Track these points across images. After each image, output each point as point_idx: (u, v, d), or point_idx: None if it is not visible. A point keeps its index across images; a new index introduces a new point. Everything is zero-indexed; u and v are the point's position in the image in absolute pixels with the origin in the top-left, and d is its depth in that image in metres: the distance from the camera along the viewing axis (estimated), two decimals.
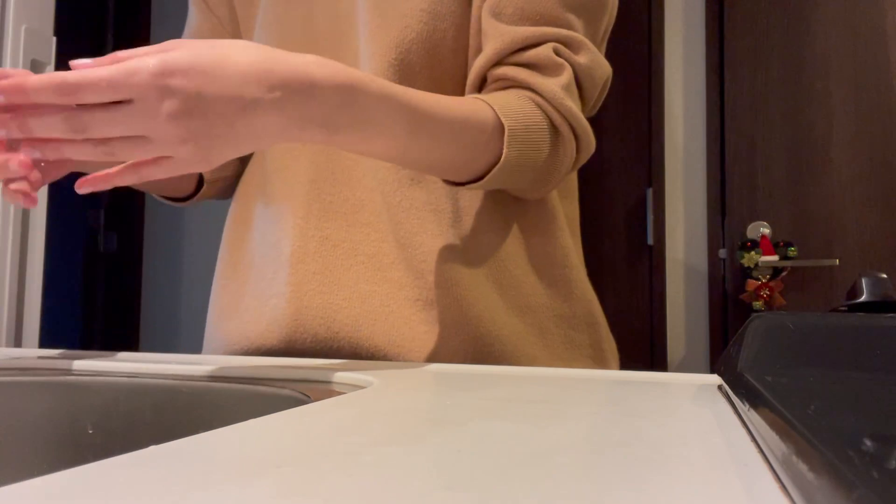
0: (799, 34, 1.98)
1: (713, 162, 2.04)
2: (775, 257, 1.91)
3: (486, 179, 0.60)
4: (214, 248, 2.89)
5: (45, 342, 0.88)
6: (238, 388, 0.51)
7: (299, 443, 0.26)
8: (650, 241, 2.06)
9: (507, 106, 0.60)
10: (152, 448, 0.25)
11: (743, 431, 0.30)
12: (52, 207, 0.92)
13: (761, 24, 2.01)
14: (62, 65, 0.95)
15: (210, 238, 2.54)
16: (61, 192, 2.50)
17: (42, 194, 0.87)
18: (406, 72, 0.65)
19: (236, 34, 0.76)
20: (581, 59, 0.64)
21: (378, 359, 0.66)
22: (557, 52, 0.63)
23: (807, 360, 0.35)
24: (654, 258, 2.06)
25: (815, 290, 1.92)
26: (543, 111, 0.62)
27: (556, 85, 0.61)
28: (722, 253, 2.02)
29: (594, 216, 2.11)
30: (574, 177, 0.78)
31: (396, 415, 0.33)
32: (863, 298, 0.67)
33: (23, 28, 0.83)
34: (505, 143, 0.58)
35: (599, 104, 0.72)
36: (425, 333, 0.65)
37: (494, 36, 0.63)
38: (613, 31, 0.78)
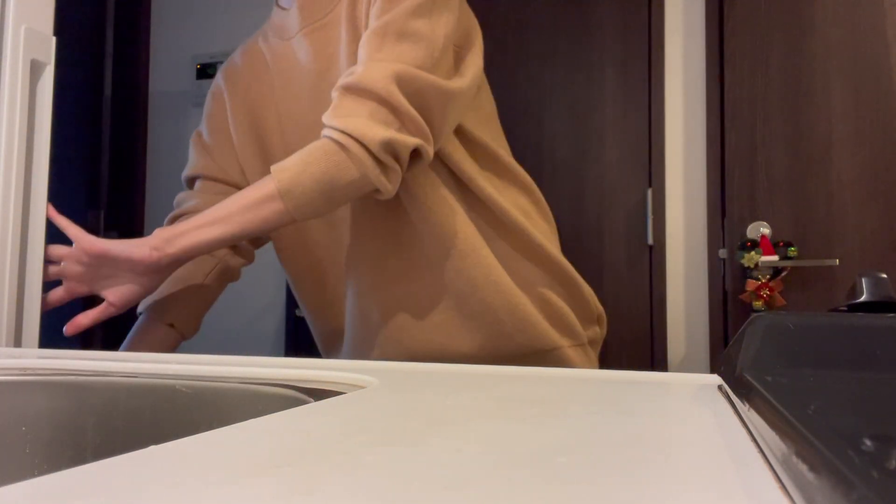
0: (799, 34, 1.98)
1: (713, 162, 2.04)
2: (775, 257, 1.91)
3: (292, 210, 0.84)
4: None
5: (45, 342, 0.88)
6: (238, 388, 0.51)
7: (299, 443, 0.26)
8: (650, 241, 2.06)
9: (282, 165, 0.84)
10: (152, 448, 0.25)
11: (743, 431, 0.30)
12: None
13: (761, 24, 2.01)
14: (62, 65, 0.95)
15: None
16: (61, 192, 2.50)
17: (42, 194, 0.87)
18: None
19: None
20: (346, 80, 0.86)
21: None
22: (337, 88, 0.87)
23: (807, 360, 0.35)
24: (654, 258, 2.06)
25: (815, 290, 1.92)
26: (328, 137, 0.84)
27: (327, 116, 0.85)
28: (722, 253, 2.02)
29: (594, 216, 2.11)
30: (511, 171, 1.01)
31: (396, 415, 0.33)
32: (863, 298, 0.67)
33: (23, 28, 0.82)
34: (278, 192, 0.83)
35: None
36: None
37: None
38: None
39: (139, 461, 0.23)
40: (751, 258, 1.93)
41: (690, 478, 0.22)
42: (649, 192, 2.08)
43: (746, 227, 1.98)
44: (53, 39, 0.88)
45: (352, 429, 0.29)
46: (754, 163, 1.99)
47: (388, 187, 0.86)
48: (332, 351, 1.09)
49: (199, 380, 0.52)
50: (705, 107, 2.06)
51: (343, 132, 0.83)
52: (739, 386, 0.33)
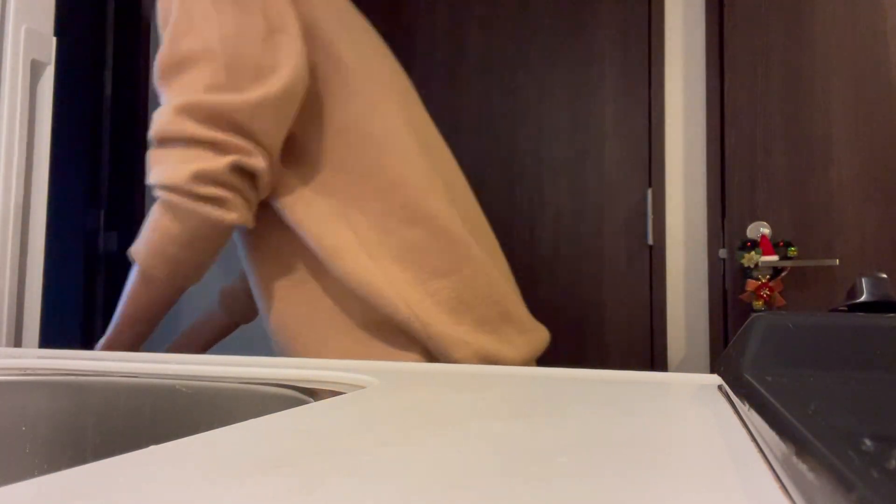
0: (799, 34, 1.98)
1: (713, 162, 2.04)
2: (775, 257, 1.91)
3: (165, 284, 0.84)
4: None
5: (45, 342, 0.88)
6: (238, 388, 0.51)
7: (299, 443, 0.26)
8: (650, 241, 2.06)
9: (134, 246, 0.84)
10: (152, 448, 0.25)
11: (743, 431, 0.30)
12: (52, 207, 0.92)
13: (761, 24, 2.01)
14: (62, 65, 0.95)
15: None
16: (61, 192, 2.50)
17: (42, 194, 0.87)
18: None
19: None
20: (151, 130, 0.84)
21: None
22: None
23: (807, 360, 0.35)
24: (654, 258, 2.06)
25: (815, 290, 1.92)
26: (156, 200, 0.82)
27: (148, 176, 0.83)
28: (722, 253, 2.02)
29: (594, 216, 2.11)
30: (354, 185, 0.88)
31: (396, 415, 0.33)
32: (863, 298, 0.67)
33: (23, 28, 0.82)
34: (142, 276, 0.84)
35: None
36: None
37: None
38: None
39: (139, 461, 0.23)
40: (751, 258, 1.93)
41: (690, 478, 0.22)
42: (649, 192, 2.08)
43: (746, 227, 1.98)
44: (54, 39, 0.88)
45: (352, 429, 0.29)
46: (754, 163, 1.99)
47: (232, 216, 0.80)
48: None
49: (198, 380, 0.52)
50: (705, 107, 2.06)
51: (158, 186, 0.80)
52: (739, 386, 0.33)
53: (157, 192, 0.80)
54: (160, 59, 0.82)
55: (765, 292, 1.91)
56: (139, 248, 0.82)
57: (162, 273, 0.81)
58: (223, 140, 0.79)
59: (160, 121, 0.81)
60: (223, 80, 0.79)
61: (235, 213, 0.80)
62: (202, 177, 0.78)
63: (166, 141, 0.81)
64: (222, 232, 0.81)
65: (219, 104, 0.78)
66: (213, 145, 0.79)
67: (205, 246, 0.81)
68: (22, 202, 0.83)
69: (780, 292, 1.92)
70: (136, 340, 0.88)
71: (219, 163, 0.78)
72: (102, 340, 0.88)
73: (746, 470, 0.23)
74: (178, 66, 0.81)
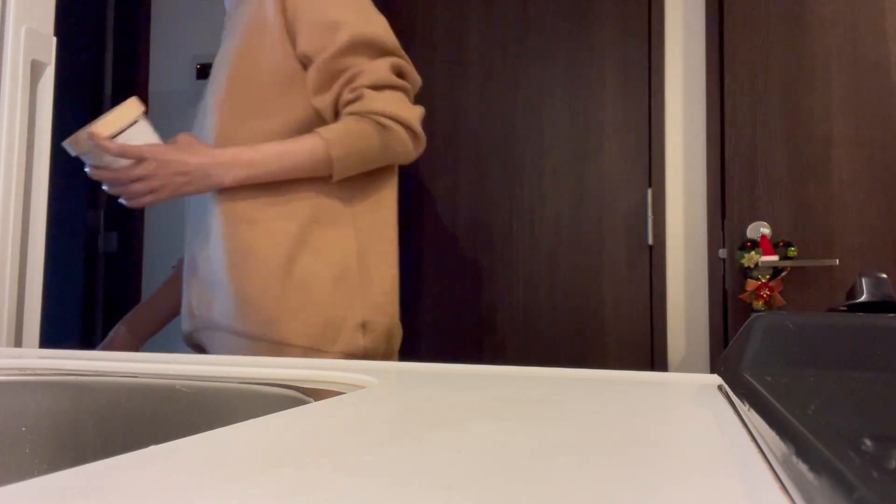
0: (799, 34, 1.98)
1: (713, 162, 2.04)
2: (775, 257, 1.91)
3: (335, 171, 1.04)
4: None
5: (45, 342, 0.88)
6: (238, 388, 0.51)
7: (299, 443, 0.26)
8: (650, 241, 2.06)
9: (330, 128, 1.04)
10: (152, 448, 0.25)
11: (743, 431, 0.30)
12: (52, 207, 0.92)
13: (761, 24, 2.01)
14: (62, 65, 0.95)
15: None
16: (61, 192, 2.50)
17: (42, 194, 0.87)
18: (220, 106, 1.11)
19: None
20: (366, 80, 1.05)
21: None
22: (353, 89, 1.05)
23: (807, 360, 0.35)
24: (654, 258, 2.06)
25: (815, 290, 1.92)
26: (366, 118, 1.04)
27: (364, 106, 1.04)
28: (722, 253, 2.02)
29: (594, 216, 2.11)
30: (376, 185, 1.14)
31: (396, 415, 0.33)
32: (863, 298, 0.67)
33: (23, 28, 0.82)
34: (331, 151, 1.03)
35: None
36: None
37: (318, 108, 1.08)
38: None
39: (139, 461, 0.23)
40: (751, 258, 1.93)
41: (690, 478, 0.22)
42: (649, 192, 2.08)
43: (746, 227, 1.98)
44: (54, 40, 0.88)
45: (352, 429, 0.29)
46: (754, 163, 1.99)
47: (415, 156, 1.13)
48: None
49: (199, 380, 0.52)
50: (705, 107, 2.06)
51: (386, 115, 1.06)
52: (739, 386, 0.33)
53: (380, 119, 1.03)
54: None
55: (765, 292, 1.91)
56: (336, 137, 1.02)
57: (338, 161, 1.02)
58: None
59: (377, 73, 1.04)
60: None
61: (416, 155, 1.10)
62: (421, 119, 1.08)
63: (383, 87, 1.05)
64: (402, 161, 1.09)
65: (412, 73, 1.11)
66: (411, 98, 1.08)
67: (379, 162, 1.06)
68: (22, 202, 0.83)
69: (780, 292, 1.91)
70: (242, 178, 1.03)
71: (420, 111, 1.09)
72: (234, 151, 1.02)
73: (746, 470, 0.23)
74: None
